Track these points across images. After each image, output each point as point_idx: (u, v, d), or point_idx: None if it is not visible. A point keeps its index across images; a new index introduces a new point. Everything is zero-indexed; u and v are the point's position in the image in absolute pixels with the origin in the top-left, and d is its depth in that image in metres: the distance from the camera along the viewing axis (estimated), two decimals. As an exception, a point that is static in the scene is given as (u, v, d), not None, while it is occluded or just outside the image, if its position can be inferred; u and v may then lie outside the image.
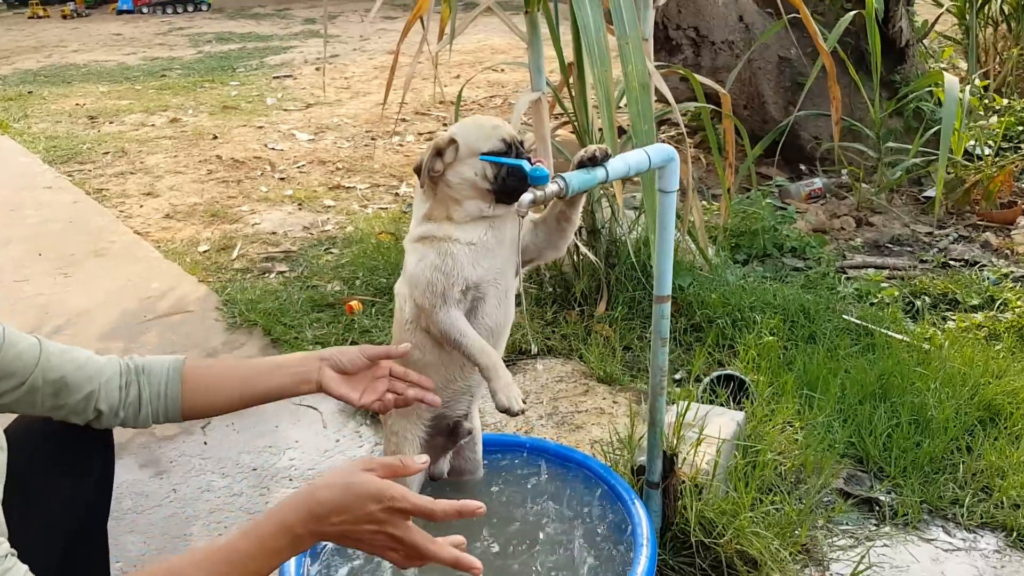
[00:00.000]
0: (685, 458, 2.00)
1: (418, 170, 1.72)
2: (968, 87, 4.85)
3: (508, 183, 1.67)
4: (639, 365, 3.06)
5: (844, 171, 4.90)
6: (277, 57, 10.53)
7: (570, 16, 3.20)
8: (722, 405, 2.42)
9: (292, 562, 1.72)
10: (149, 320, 3.64)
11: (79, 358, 1.57)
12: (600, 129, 3.39)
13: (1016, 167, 4.54)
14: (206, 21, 14.46)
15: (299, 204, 5.15)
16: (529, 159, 1.68)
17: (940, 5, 6.41)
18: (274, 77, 9.18)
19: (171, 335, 3.49)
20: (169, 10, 15.83)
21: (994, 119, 5.30)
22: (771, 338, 2.97)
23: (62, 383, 1.51)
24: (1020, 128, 5.15)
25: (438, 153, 1.70)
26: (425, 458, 1.41)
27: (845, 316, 3.21)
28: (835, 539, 2.16)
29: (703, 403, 2.38)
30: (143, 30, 13.56)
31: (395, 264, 3.68)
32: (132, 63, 10.39)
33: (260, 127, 7.00)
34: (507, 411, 1.64)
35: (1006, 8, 6.19)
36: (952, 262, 3.93)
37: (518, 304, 1.90)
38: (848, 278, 3.72)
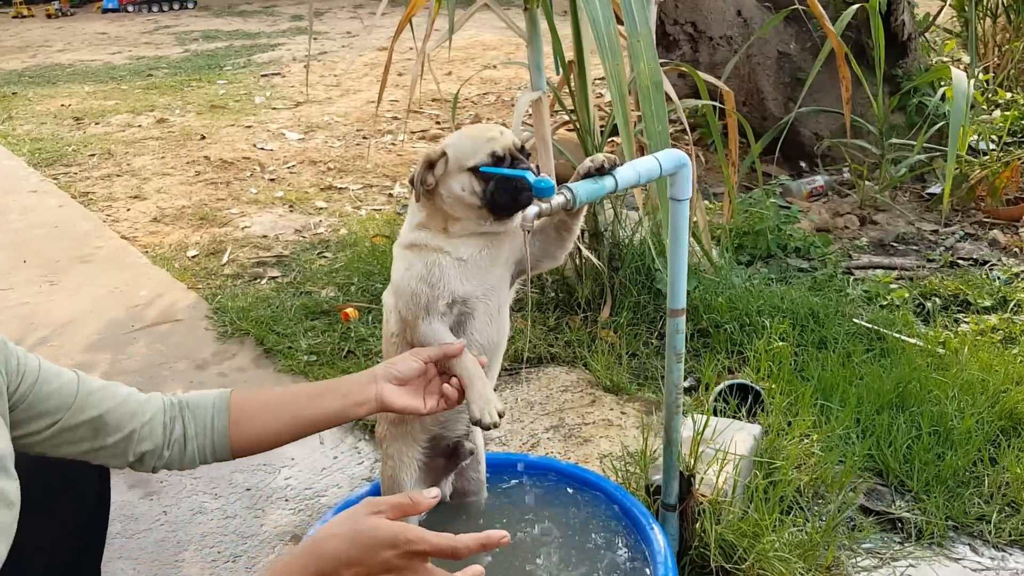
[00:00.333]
0: (702, 478, 1.91)
1: (412, 182, 1.64)
2: (972, 81, 4.76)
3: (497, 199, 1.56)
4: (646, 373, 2.96)
5: (845, 168, 4.81)
6: (265, 55, 10.38)
7: (570, 12, 3.11)
8: (735, 416, 2.33)
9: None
10: (136, 330, 3.52)
11: (119, 394, 1.44)
12: (602, 128, 3.30)
13: (1022, 162, 4.46)
14: (192, 19, 14.28)
15: (290, 206, 5.03)
16: (532, 169, 1.58)
17: (943, -1, 6.32)
18: (262, 75, 9.04)
19: (160, 346, 3.38)
20: (155, 8, 15.60)
21: (997, 113, 5.22)
22: (781, 344, 2.88)
23: (100, 422, 1.39)
24: (1024, 123, 5.07)
25: (429, 166, 1.61)
26: (436, 491, 1.31)
27: (856, 320, 3.12)
28: (859, 559, 2.07)
29: (716, 415, 2.28)
30: (129, 29, 13.36)
31: (391, 269, 3.57)
32: (118, 62, 10.22)
33: (249, 126, 6.86)
34: (479, 423, 1.54)
35: (1005, 0, 6.11)
36: (960, 261, 3.85)
37: (520, 310, 1.80)
38: (856, 279, 3.63)
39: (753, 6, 5.22)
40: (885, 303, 3.35)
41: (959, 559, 2.08)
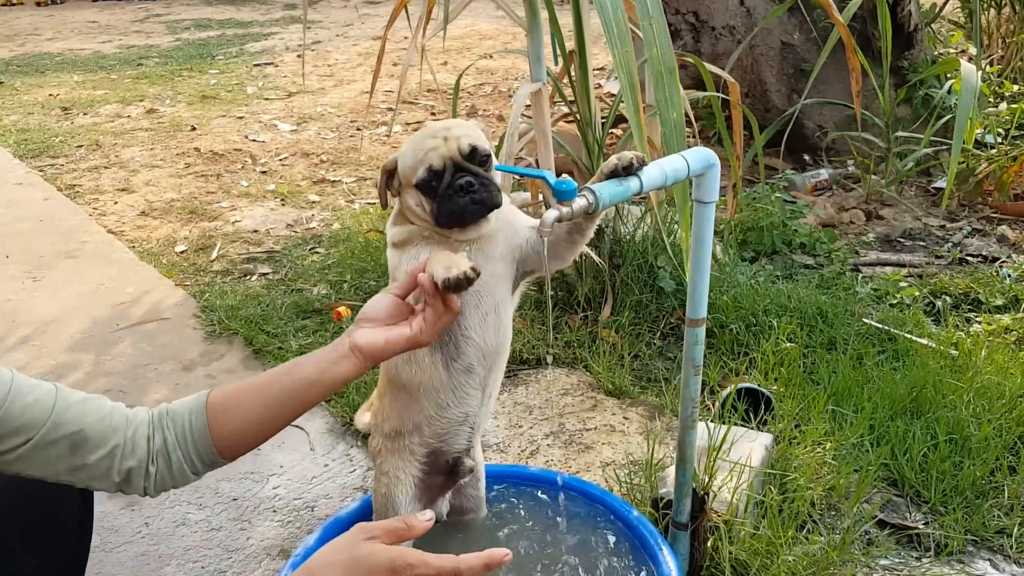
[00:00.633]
0: (715, 494, 1.80)
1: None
2: (979, 73, 4.65)
3: (439, 220, 1.48)
4: (649, 375, 2.86)
5: (850, 161, 4.70)
6: (257, 44, 10.22)
7: (571, 1, 2.99)
8: (744, 423, 2.23)
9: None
10: (122, 329, 3.41)
11: (103, 408, 1.34)
12: (603, 120, 3.18)
13: (1031, 156, 4.35)
14: (184, 7, 14.07)
15: (282, 200, 4.91)
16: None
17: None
18: (255, 65, 8.88)
19: (146, 345, 3.26)
20: (146, -4, 15.41)
21: (1003, 106, 5.12)
22: (790, 345, 2.77)
23: (79, 437, 1.29)
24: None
25: (388, 176, 1.54)
26: (430, 514, 1.22)
27: (866, 320, 3.02)
28: (875, 575, 1.97)
29: (724, 422, 2.18)
30: (119, 17, 13.17)
31: (385, 266, 3.46)
32: (108, 51, 10.05)
33: (240, 117, 6.73)
34: (446, 281, 1.33)
35: (1011, -10, 5.99)
36: (969, 257, 3.75)
37: (519, 309, 1.69)
38: (864, 277, 3.53)
39: (756, -5, 5.10)
40: (895, 302, 3.25)
41: (979, 575, 1.98)
